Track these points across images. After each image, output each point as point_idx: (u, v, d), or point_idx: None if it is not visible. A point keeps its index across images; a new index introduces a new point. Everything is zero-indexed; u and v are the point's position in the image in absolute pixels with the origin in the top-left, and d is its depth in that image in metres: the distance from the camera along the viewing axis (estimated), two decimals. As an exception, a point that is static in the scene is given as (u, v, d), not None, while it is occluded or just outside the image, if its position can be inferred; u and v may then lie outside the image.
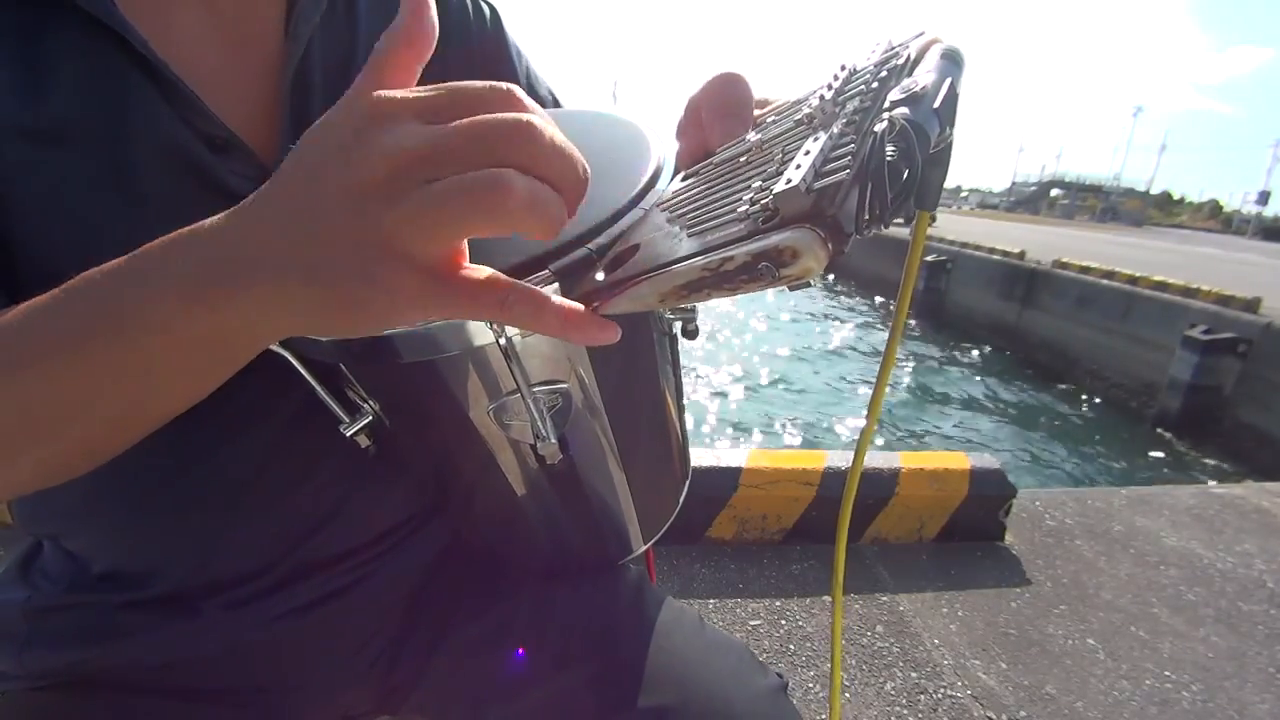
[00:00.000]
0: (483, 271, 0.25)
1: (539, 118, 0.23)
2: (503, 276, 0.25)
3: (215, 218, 0.26)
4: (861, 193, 0.24)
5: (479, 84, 0.24)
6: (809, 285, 0.24)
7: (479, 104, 0.23)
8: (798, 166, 0.25)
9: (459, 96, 0.23)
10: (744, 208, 0.25)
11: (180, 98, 0.37)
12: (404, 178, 0.22)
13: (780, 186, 0.24)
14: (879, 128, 0.25)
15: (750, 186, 0.27)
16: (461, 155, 0.22)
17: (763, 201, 0.24)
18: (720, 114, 0.38)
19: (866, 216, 0.24)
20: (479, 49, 0.52)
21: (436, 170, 0.22)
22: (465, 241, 0.25)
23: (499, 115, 0.23)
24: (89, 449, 0.31)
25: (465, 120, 0.22)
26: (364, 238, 0.22)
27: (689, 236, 0.27)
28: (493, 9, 0.54)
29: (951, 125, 0.28)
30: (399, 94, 0.23)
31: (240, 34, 0.41)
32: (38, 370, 0.27)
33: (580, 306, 0.26)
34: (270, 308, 0.24)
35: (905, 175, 0.24)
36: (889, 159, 0.24)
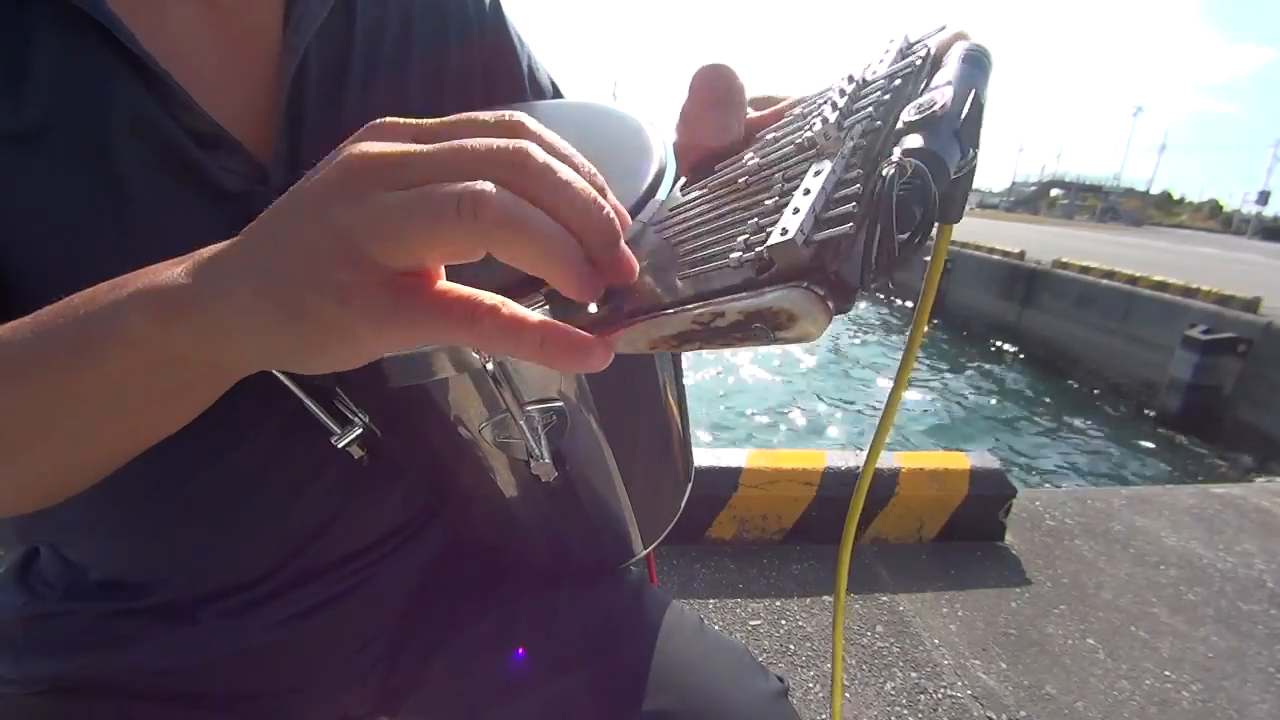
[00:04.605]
0: (455, 288, 0.23)
1: (551, 155, 0.21)
2: (477, 293, 0.22)
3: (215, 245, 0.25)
4: (868, 244, 0.21)
5: (488, 113, 0.23)
6: (814, 342, 0.22)
7: (483, 132, 0.22)
8: (795, 211, 0.22)
9: (459, 123, 0.22)
10: (738, 254, 0.22)
11: (166, 92, 0.36)
12: (371, 178, 0.21)
13: (776, 238, 0.21)
14: (888, 171, 0.21)
15: (746, 224, 0.24)
16: (439, 164, 0.21)
17: (758, 249, 0.22)
18: (708, 105, 0.36)
19: (874, 270, 0.21)
20: (480, 41, 0.51)
21: (409, 175, 0.21)
22: (440, 266, 0.23)
23: (495, 140, 0.21)
24: (61, 476, 0.31)
25: (455, 135, 0.21)
26: (319, 239, 0.21)
27: (681, 275, 0.24)
28: None
29: (976, 146, 0.25)
30: (404, 120, 0.23)
31: (237, 28, 0.40)
32: (11, 384, 0.27)
33: (564, 326, 0.22)
34: (226, 323, 0.23)
35: (920, 216, 0.22)
36: (899, 196, 0.21)
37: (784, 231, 0.21)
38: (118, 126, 0.36)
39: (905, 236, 0.22)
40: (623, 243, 0.22)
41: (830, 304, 0.20)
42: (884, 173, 0.22)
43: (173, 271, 0.25)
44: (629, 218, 0.24)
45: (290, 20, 0.41)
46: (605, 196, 0.23)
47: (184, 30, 0.39)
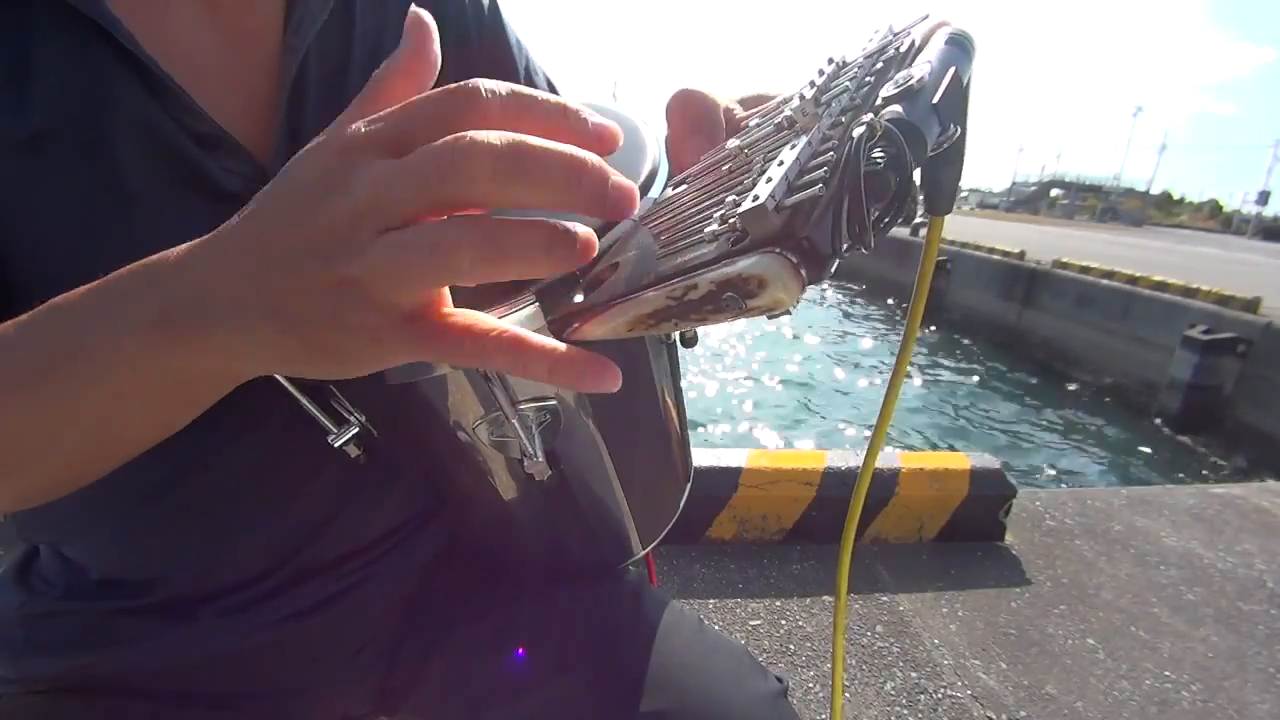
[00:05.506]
0: (466, 316, 0.24)
1: (494, 133, 0.21)
2: (486, 321, 0.23)
3: (182, 248, 0.25)
4: (837, 209, 0.21)
5: (436, 94, 0.22)
6: (788, 313, 0.21)
7: (436, 121, 0.22)
8: (768, 180, 0.22)
9: (416, 118, 0.22)
10: (713, 227, 0.23)
11: (168, 94, 0.37)
12: (362, 226, 0.21)
13: (746, 205, 0.21)
14: (858, 132, 0.22)
15: (723, 201, 0.24)
16: (403, 203, 0.21)
17: (731, 221, 0.22)
18: (686, 133, 0.36)
19: (845, 236, 0.21)
20: (478, 45, 0.51)
21: (388, 219, 0.21)
22: (444, 293, 0.24)
23: (439, 145, 0.21)
24: (66, 475, 0.31)
25: (406, 159, 0.21)
26: (338, 286, 0.21)
27: (661, 257, 0.25)
28: (491, 0, 0.53)
29: (959, 121, 0.25)
30: (363, 128, 0.22)
31: (238, 30, 0.41)
32: (8, 401, 0.27)
33: (571, 352, 0.23)
34: (237, 351, 0.24)
35: (896, 184, 0.22)
36: (875, 167, 0.21)
37: (755, 199, 0.21)
38: (119, 129, 0.36)
39: (882, 205, 0.22)
40: (613, 176, 0.21)
41: (802, 271, 0.20)
42: (853, 134, 0.22)
43: (167, 292, 0.24)
44: (617, 134, 0.23)
45: (291, 22, 0.41)
46: (586, 123, 0.23)
47: (185, 32, 0.39)
